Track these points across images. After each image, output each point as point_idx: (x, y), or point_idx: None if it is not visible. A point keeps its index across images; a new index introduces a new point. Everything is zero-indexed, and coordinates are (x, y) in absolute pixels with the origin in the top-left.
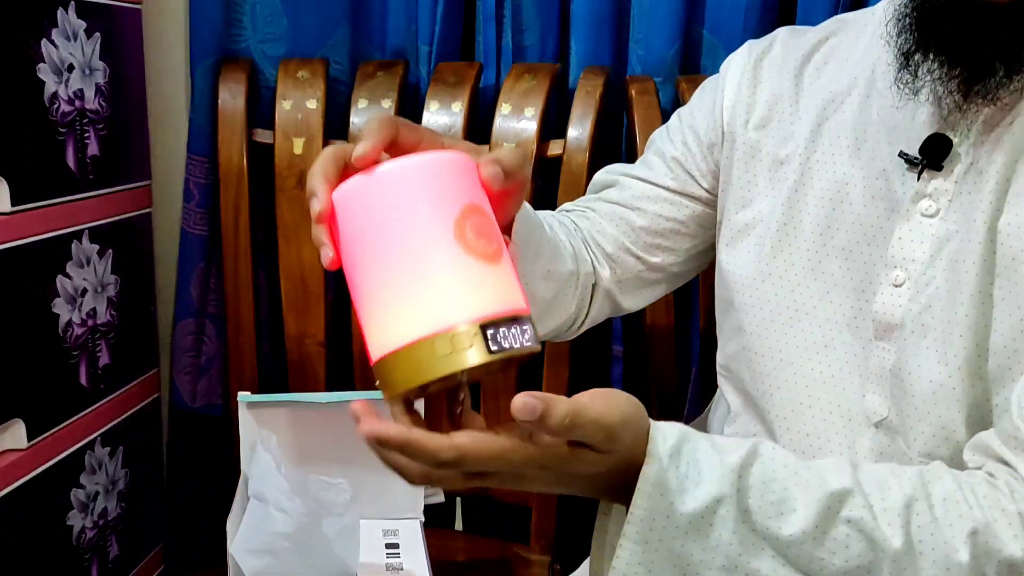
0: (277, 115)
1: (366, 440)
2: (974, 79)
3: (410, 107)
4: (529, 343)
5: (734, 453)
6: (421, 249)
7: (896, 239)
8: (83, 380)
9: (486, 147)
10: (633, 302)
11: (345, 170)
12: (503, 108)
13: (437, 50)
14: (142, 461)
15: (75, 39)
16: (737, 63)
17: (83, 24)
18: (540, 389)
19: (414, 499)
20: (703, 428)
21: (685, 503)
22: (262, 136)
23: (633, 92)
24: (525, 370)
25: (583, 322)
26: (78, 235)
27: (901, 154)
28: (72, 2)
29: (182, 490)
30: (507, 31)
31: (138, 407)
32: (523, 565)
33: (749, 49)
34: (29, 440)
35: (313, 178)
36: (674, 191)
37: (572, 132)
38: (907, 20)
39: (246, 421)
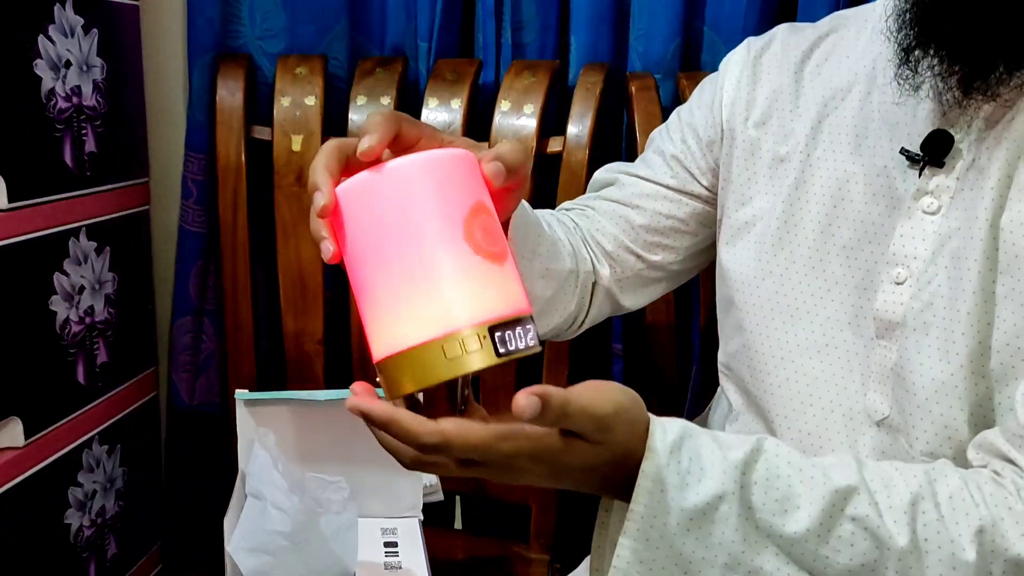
0: (275, 112)
1: (352, 413)
2: (974, 75)
3: (409, 104)
4: (532, 343)
5: (737, 449)
6: (431, 249)
7: (897, 236)
8: (81, 378)
9: (485, 144)
10: (633, 301)
11: (347, 164)
12: (503, 105)
13: (436, 47)
14: (140, 459)
15: (72, 35)
16: (736, 60)
17: (81, 20)
18: None
19: (413, 497)
20: (703, 427)
21: (686, 499)
22: (260, 133)
23: (633, 88)
24: (525, 369)
25: (583, 321)
26: (75, 232)
27: (902, 151)
28: None
29: (180, 488)
30: (506, 27)
31: (136, 405)
32: (523, 564)
33: (748, 46)
34: (26, 438)
35: (316, 172)
36: (674, 189)
37: (572, 129)
38: (907, 16)
39: (243, 419)
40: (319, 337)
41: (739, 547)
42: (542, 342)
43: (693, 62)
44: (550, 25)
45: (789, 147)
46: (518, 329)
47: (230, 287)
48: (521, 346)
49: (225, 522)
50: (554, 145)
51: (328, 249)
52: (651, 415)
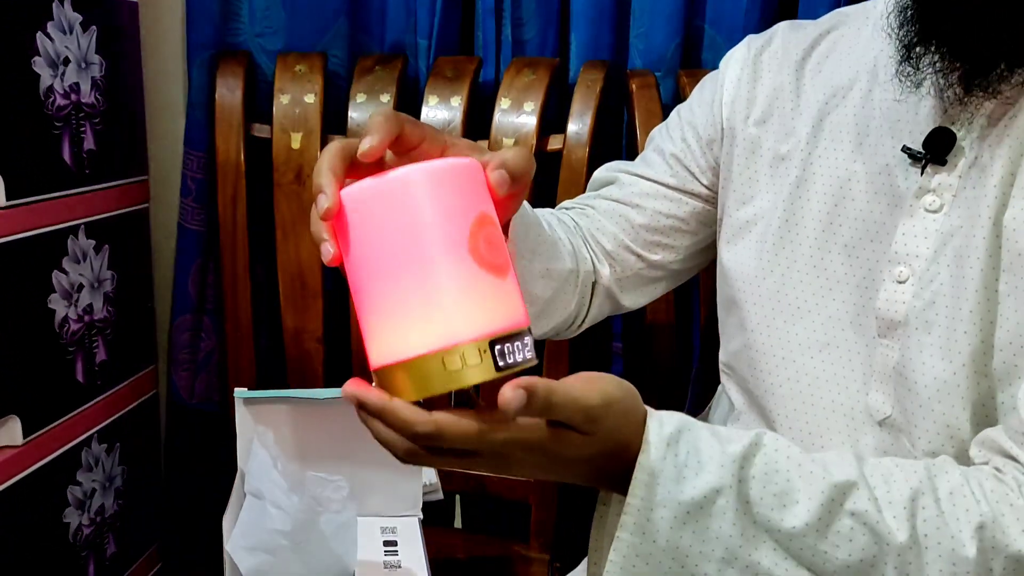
0: (275, 109)
1: (347, 400)
2: (975, 73)
3: (409, 102)
4: (530, 355)
5: (736, 443)
6: (436, 261)
7: (899, 235)
8: (80, 376)
9: (484, 143)
10: (633, 300)
11: (351, 165)
12: (503, 103)
13: (436, 44)
14: (139, 458)
15: (71, 32)
16: (737, 58)
17: (79, 17)
18: None
19: (413, 496)
20: None
21: (683, 492)
22: (260, 131)
23: (634, 86)
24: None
25: (583, 321)
26: (74, 230)
27: (904, 149)
28: None
29: (180, 487)
30: (506, 25)
31: (135, 403)
32: (522, 563)
33: (748, 44)
34: (25, 436)
35: (319, 173)
36: (674, 188)
37: (572, 127)
38: (908, 12)
39: (243, 417)
40: (319, 335)
41: (736, 541)
42: (542, 341)
43: (694, 60)
44: (550, 22)
45: (790, 145)
46: (516, 343)
47: (229, 285)
48: (519, 359)
49: (224, 521)
50: (554, 143)
51: (328, 251)
52: (649, 408)
